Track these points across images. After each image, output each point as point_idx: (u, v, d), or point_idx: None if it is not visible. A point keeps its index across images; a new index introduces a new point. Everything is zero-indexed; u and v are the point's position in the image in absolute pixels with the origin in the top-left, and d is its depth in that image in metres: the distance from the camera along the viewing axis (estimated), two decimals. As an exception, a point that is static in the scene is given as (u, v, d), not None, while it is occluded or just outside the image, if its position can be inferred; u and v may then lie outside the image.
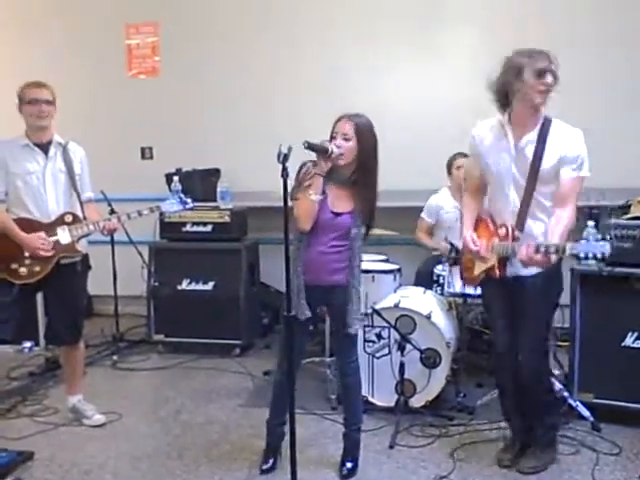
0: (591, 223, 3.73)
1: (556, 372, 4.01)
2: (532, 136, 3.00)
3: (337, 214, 3.04)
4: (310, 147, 2.84)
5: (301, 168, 3.04)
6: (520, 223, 3.05)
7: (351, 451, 3.31)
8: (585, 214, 3.93)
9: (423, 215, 5.08)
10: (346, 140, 2.96)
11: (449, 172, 4.98)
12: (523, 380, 3.19)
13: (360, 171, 3.02)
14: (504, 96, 3.02)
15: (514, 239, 3.01)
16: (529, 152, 3.01)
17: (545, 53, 2.95)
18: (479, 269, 3.23)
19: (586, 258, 2.78)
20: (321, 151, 2.90)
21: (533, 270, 3.03)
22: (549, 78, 2.90)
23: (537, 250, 2.86)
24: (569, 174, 2.97)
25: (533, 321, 3.14)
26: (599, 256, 2.71)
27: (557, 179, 3.00)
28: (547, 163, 2.98)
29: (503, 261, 3.08)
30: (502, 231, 3.08)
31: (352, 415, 3.32)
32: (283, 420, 3.22)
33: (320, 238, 3.03)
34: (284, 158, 2.65)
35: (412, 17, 5.80)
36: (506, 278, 3.12)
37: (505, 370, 3.31)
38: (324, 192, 3.00)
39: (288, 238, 2.77)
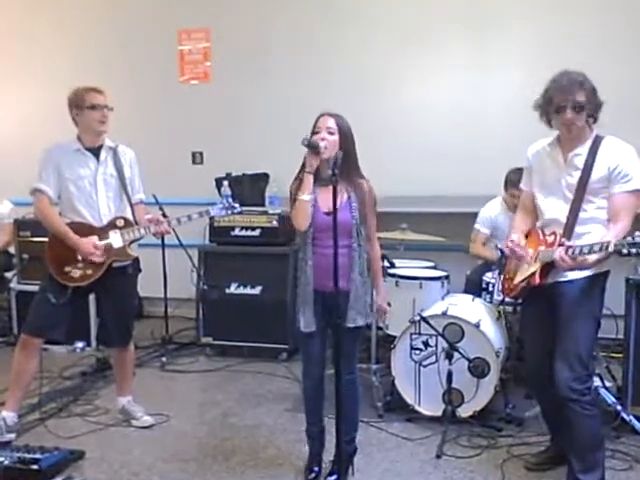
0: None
1: (609, 384, 3.91)
2: (583, 150, 2.97)
3: (329, 213, 2.95)
4: (310, 145, 2.94)
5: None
6: (568, 234, 2.98)
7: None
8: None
9: (478, 227, 4.96)
10: (331, 134, 3.01)
11: (505, 186, 4.84)
12: (557, 393, 2.98)
13: (344, 162, 2.96)
14: (548, 119, 3.03)
15: (560, 245, 2.94)
16: (579, 163, 2.97)
17: (574, 82, 2.88)
18: (520, 276, 3.16)
19: (629, 254, 2.65)
20: (315, 147, 2.95)
21: (572, 276, 2.96)
22: (568, 114, 2.89)
23: (570, 251, 2.82)
24: (618, 189, 2.91)
25: (568, 329, 2.98)
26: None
27: (606, 192, 2.93)
28: (596, 175, 2.92)
29: (546, 268, 3.00)
30: (550, 238, 3.03)
31: (345, 422, 3.06)
32: (321, 426, 3.30)
33: (323, 242, 3.01)
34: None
35: (462, 21, 5.75)
36: (545, 286, 3.04)
37: (537, 385, 3.31)
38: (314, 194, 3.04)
39: (337, 241, 2.79)
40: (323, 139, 2.98)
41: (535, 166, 3.18)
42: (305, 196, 2.98)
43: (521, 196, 3.35)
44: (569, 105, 2.88)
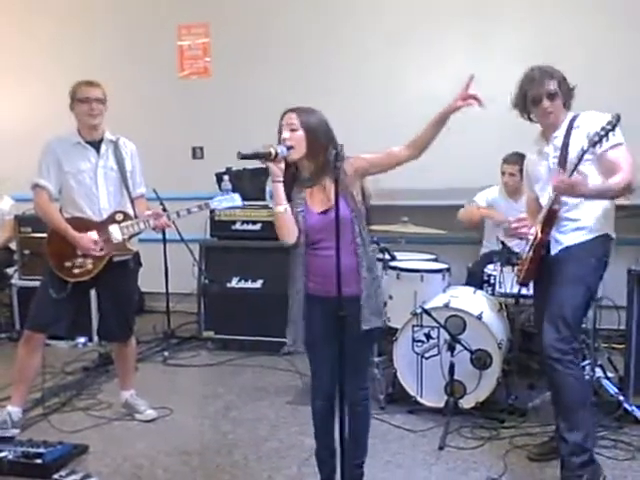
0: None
1: (611, 375, 3.92)
2: (560, 131, 3.11)
3: (325, 212, 2.73)
4: (245, 157, 2.63)
5: None
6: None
7: None
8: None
9: (475, 198, 5.01)
10: (293, 130, 2.70)
11: (502, 171, 4.86)
12: (543, 353, 3.02)
13: (317, 158, 2.72)
14: (527, 113, 3.19)
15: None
16: (558, 143, 3.09)
17: (544, 73, 3.06)
18: (528, 251, 3.18)
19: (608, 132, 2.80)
20: (263, 157, 2.65)
21: (568, 242, 3.06)
22: (545, 103, 3.06)
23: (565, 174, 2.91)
24: (605, 147, 2.92)
25: (555, 293, 3.04)
26: None
27: (589, 159, 2.96)
28: (575, 144, 2.98)
29: (547, 224, 3.05)
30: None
31: (356, 447, 2.90)
32: (332, 449, 2.91)
33: (322, 244, 2.73)
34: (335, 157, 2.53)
35: (464, 11, 5.74)
36: (547, 259, 3.10)
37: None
38: (290, 199, 2.74)
39: (339, 236, 2.60)
40: (284, 139, 2.68)
41: (530, 168, 3.32)
42: (280, 207, 2.69)
43: (526, 199, 3.48)
44: (544, 95, 3.05)
